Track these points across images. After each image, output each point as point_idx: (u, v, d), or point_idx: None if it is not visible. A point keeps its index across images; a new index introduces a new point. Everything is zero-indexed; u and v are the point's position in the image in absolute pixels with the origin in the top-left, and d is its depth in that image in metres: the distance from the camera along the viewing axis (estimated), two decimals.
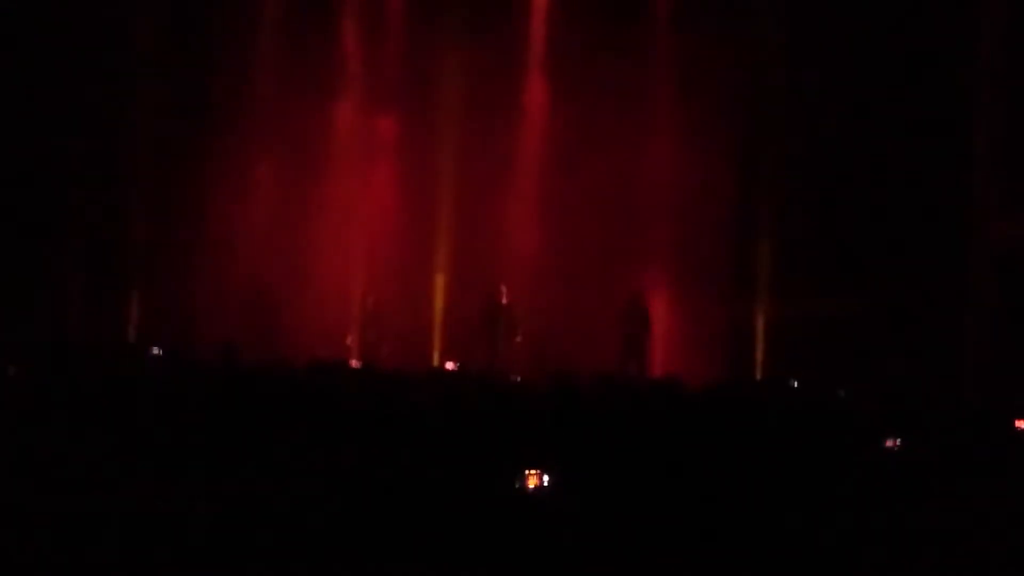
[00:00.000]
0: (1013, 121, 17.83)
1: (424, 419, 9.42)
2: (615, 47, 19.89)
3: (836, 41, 18.83)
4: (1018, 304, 17.49)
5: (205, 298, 19.69)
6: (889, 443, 9.69)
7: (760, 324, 19.50)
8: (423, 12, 20.46)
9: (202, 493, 7.53)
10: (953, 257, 18.25)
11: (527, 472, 7.61)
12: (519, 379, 15.77)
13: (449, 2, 20.19)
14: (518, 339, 19.61)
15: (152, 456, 8.14)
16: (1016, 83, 17.87)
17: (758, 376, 19.03)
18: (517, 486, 7.62)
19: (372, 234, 20.29)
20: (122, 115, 19.95)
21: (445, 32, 20.17)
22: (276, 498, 7.58)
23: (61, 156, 19.71)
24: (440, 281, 20.33)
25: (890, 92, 18.55)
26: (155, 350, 15.40)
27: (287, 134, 20.41)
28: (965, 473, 8.64)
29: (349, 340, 19.81)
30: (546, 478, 7.59)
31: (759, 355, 19.43)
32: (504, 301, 19.75)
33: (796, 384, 15.03)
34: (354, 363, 17.49)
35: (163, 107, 20.04)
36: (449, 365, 18.37)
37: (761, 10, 19.54)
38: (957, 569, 7.38)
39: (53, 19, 19.52)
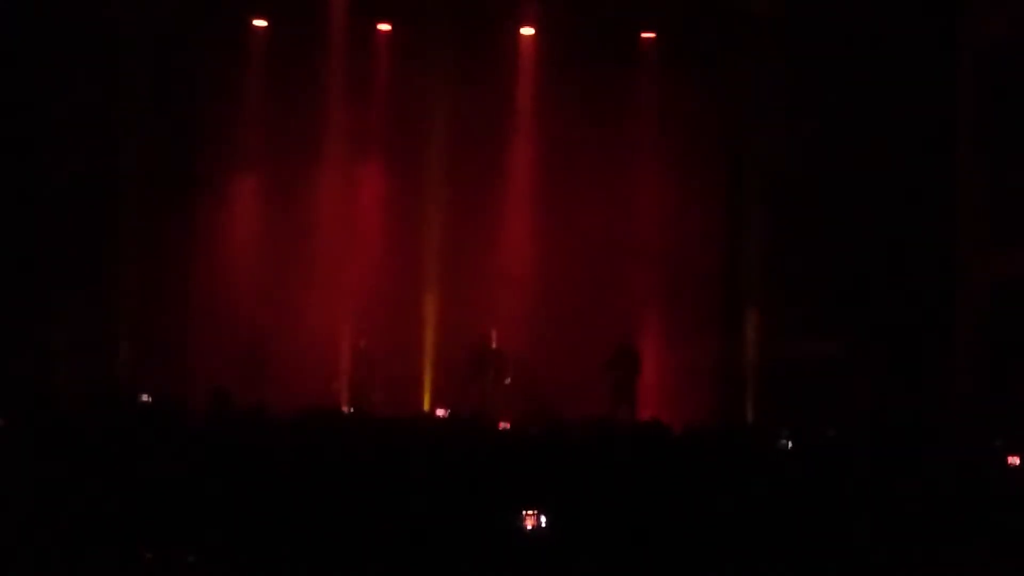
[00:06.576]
0: (1000, 154, 17.98)
1: (419, 465, 9.39)
2: (602, 92, 20.06)
3: (823, 81, 18.98)
4: (1009, 338, 17.54)
5: (196, 344, 19.69)
6: (878, 481, 9.68)
7: (749, 365, 19.53)
8: (410, 61, 20.56)
9: (198, 552, 7.45)
10: (943, 294, 18.32)
11: (525, 512, 7.61)
12: (508, 425, 15.73)
13: (434, 51, 20.30)
14: (507, 382, 19.65)
15: (142, 513, 8.04)
16: (1002, 119, 18.02)
17: (749, 418, 19.03)
18: (514, 526, 7.61)
19: (362, 280, 20.30)
20: (110, 164, 19.95)
21: (431, 81, 20.27)
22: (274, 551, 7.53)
23: (50, 203, 19.68)
24: (430, 327, 20.33)
25: (877, 131, 18.69)
26: (144, 397, 15.29)
27: (277, 180, 20.49)
28: (959, 510, 8.64)
29: (335, 385, 19.80)
30: (543, 519, 7.59)
31: (749, 396, 19.43)
32: (493, 346, 19.81)
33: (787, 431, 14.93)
34: (345, 409, 17.45)
35: (151, 156, 20.06)
36: (440, 412, 18.33)
37: (747, 52, 19.69)
38: None
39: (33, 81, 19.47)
